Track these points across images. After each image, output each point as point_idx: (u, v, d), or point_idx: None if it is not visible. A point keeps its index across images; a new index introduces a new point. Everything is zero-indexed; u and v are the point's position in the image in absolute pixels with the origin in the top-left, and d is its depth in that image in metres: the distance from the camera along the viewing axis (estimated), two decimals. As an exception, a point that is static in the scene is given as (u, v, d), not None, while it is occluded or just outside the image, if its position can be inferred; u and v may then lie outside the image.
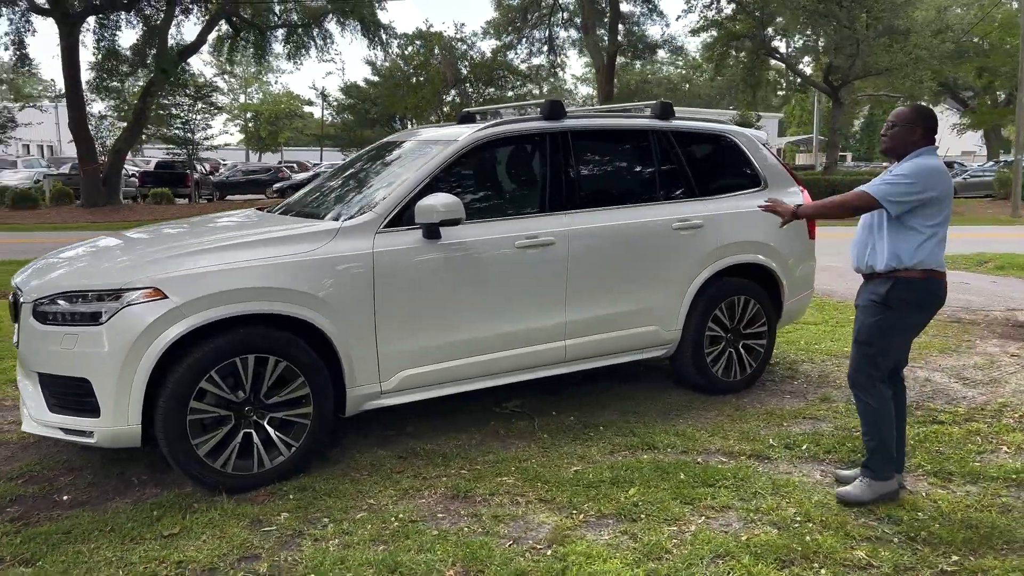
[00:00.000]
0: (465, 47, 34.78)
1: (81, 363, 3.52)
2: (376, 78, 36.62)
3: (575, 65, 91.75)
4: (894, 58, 28.34)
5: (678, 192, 5.03)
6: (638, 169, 5.05)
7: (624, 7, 32.67)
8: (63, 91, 24.99)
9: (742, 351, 5.22)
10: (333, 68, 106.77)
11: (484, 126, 4.53)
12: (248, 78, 57.05)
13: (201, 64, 59.86)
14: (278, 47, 28.91)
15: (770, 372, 5.70)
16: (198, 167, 29.64)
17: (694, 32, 32.70)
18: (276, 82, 71.99)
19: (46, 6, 23.10)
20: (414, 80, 33.60)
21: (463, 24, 65.42)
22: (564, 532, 3.32)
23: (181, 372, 3.53)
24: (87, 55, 51.47)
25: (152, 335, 3.47)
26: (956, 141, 46.60)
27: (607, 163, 5.06)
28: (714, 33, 32.40)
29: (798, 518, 3.42)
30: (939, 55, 30.21)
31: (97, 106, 28.48)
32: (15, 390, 4.70)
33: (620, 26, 32.51)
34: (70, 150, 29.16)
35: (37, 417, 3.69)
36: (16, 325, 3.99)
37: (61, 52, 23.14)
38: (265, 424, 3.77)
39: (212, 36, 27.43)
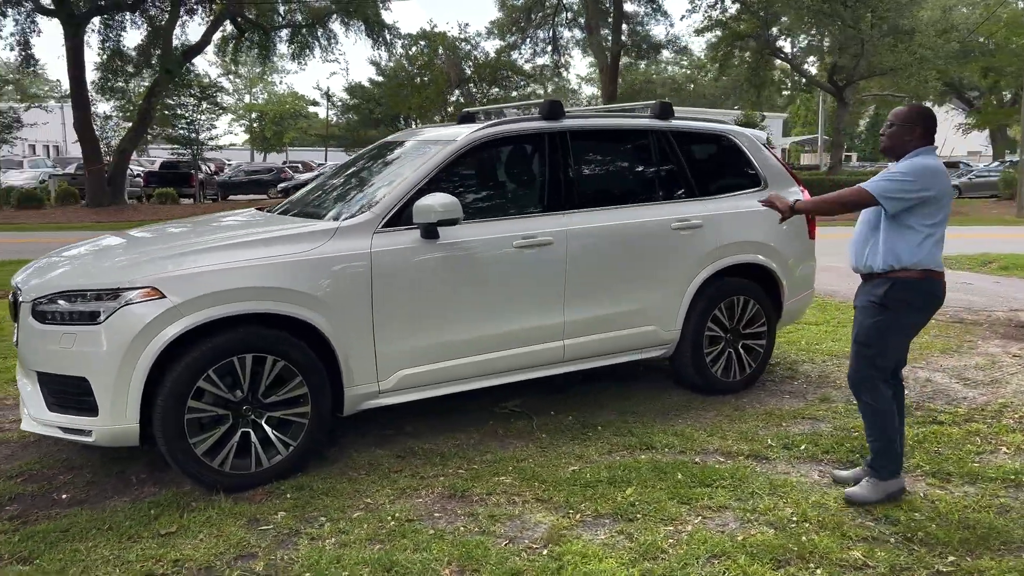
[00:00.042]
0: (469, 47, 34.84)
1: (79, 362, 3.54)
2: (380, 78, 36.66)
3: (579, 65, 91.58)
4: (899, 58, 28.28)
5: (677, 192, 5.03)
6: (637, 169, 5.05)
7: (628, 7, 32.71)
8: (68, 91, 25.09)
9: (741, 351, 5.21)
10: (337, 68, 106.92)
11: (483, 126, 4.54)
12: (253, 78, 57.22)
13: (206, 64, 60.10)
14: (282, 47, 29.06)
15: (770, 372, 5.70)
16: (203, 167, 29.72)
17: (698, 32, 32.73)
18: (281, 82, 72.25)
19: (51, 7, 23.20)
20: (418, 80, 33.62)
21: (467, 24, 65.61)
22: (560, 532, 3.32)
23: (179, 371, 3.54)
24: (92, 55, 51.58)
25: (150, 334, 3.49)
26: (961, 141, 46.42)
27: (606, 163, 5.07)
28: (718, 33, 32.38)
29: (795, 518, 3.42)
30: (944, 55, 30.14)
31: (102, 106, 28.64)
32: (16, 389, 4.72)
33: (624, 26, 32.51)
34: (76, 150, 29.27)
35: (36, 416, 3.71)
36: (16, 324, 4.00)
37: (66, 52, 23.25)
38: (263, 423, 3.78)
39: (216, 36, 27.56)
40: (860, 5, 27.02)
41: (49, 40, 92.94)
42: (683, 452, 4.20)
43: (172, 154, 31.25)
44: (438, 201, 3.95)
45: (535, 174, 4.67)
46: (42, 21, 24.68)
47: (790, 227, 5.28)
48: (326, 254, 3.89)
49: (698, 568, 3.03)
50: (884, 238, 3.52)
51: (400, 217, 4.10)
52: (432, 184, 4.21)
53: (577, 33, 34.96)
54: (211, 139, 29.66)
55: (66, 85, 25.18)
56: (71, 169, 29.92)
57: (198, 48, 26.62)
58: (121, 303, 3.51)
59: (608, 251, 4.65)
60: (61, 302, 3.62)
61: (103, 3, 23.84)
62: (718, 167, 5.32)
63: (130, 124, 26.72)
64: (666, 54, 41.01)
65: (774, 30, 32.45)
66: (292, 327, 3.82)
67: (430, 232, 4.08)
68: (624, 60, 35.62)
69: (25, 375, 3.86)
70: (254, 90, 60.56)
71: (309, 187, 5.36)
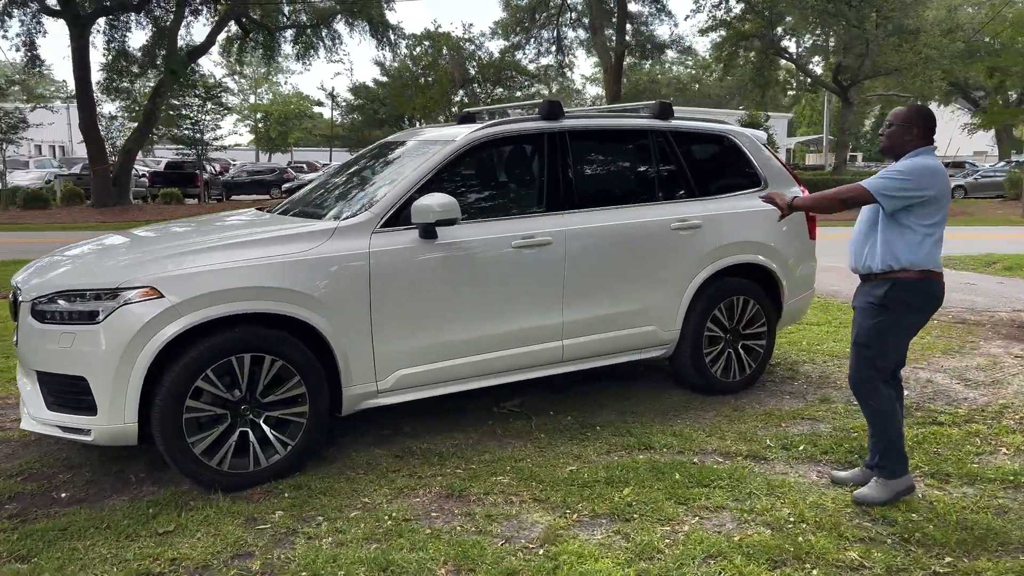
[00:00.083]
0: (473, 47, 34.84)
1: (78, 361, 3.55)
2: (384, 78, 36.72)
3: (584, 65, 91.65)
4: (904, 58, 28.22)
5: (677, 192, 5.03)
6: (636, 169, 5.05)
7: (632, 7, 32.69)
8: (74, 92, 25.18)
9: (741, 351, 5.20)
10: (341, 69, 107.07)
11: (482, 126, 4.54)
12: (258, 79, 57.33)
13: (211, 65, 60.23)
14: (287, 48, 29.06)
15: (770, 373, 5.69)
16: (208, 167, 29.77)
17: (703, 32, 32.69)
18: (286, 83, 72.35)
19: (57, 7, 23.28)
20: (422, 80, 33.66)
21: (471, 24, 65.67)
22: (557, 531, 3.32)
23: (177, 371, 3.55)
24: (97, 56, 51.85)
25: (148, 334, 3.50)
26: (967, 141, 46.29)
27: (605, 163, 5.07)
28: (722, 33, 32.33)
29: (792, 519, 3.41)
30: (949, 55, 30.06)
31: (107, 107, 28.74)
32: (17, 388, 4.73)
33: (628, 26, 32.47)
34: (81, 151, 29.37)
35: (35, 415, 3.73)
36: (16, 324, 4.02)
37: (72, 53, 23.33)
38: (261, 423, 3.79)
39: (221, 37, 27.58)
40: (865, 5, 26.97)
41: (55, 41, 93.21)
42: (681, 452, 4.20)
43: (177, 154, 31.33)
44: (436, 201, 3.96)
45: (534, 174, 4.68)
46: (47, 22, 24.80)
47: (790, 227, 5.29)
48: (324, 254, 3.90)
49: (694, 568, 3.03)
50: (883, 238, 3.52)
51: (399, 217, 4.11)
52: (431, 184, 4.22)
53: (581, 33, 34.98)
54: (216, 139, 29.71)
55: (72, 85, 25.31)
56: (77, 169, 29.99)
57: (203, 49, 26.68)
58: (120, 303, 3.53)
59: (607, 251, 4.65)
60: (60, 302, 3.63)
61: (108, 4, 23.91)
62: (718, 167, 5.32)
63: (135, 124, 26.80)
64: (670, 54, 40.96)
65: (779, 30, 32.40)
66: (291, 327, 3.83)
67: (428, 232, 4.08)
68: (628, 60, 35.59)
69: (25, 375, 3.88)
70: (259, 90, 60.69)
71: (309, 187, 5.38)
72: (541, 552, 3.16)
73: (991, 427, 4.54)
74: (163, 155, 37.28)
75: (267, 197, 28.72)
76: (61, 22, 23.58)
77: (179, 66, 24.46)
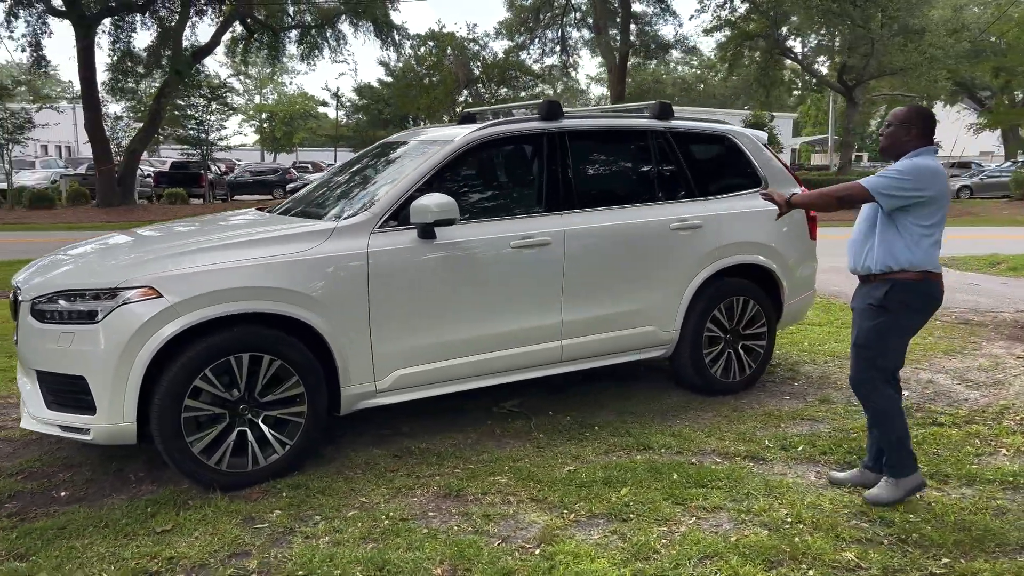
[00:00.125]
0: (477, 47, 34.90)
1: (77, 361, 3.56)
2: (389, 79, 36.77)
3: (589, 65, 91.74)
4: (909, 57, 28.16)
5: (677, 192, 5.02)
6: (636, 169, 5.04)
7: (637, 7, 32.66)
8: (80, 92, 25.27)
9: (741, 352, 5.20)
10: (346, 69, 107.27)
11: (481, 126, 4.54)
12: (263, 79, 57.45)
13: (217, 65, 60.27)
14: (292, 48, 29.12)
15: (771, 373, 5.68)
16: (213, 167, 29.85)
17: (707, 32, 32.62)
18: (291, 83, 72.43)
19: (62, 8, 23.37)
20: (427, 81, 33.72)
21: (475, 24, 65.66)
22: (554, 531, 3.32)
23: (176, 370, 3.56)
24: (103, 56, 51.98)
25: (147, 333, 3.51)
26: (973, 141, 46.12)
27: (604, 163, 5.06)
28: (727, 32, 32.28)
29: (789, 519, 3.41)
30: (955, 55, 29.98)
31: (113, 107, 28.80)
32: (19, 388, 4.76)
33: (632, 26, 32.48)
34: (87, 151, 29.44)
35: (35, 414, 3.74)
36: (16, 324, 4.04)
37: (77, 54, 23.41)
38: (259, 422, 3.80)
39: (226, 37, 27.67)
40: (870, 4, 26.90)
41: (61, 41, 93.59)
42: (680, 453, 4.20)
43: (182, 154, 31.41)
44: (434, 201, 3.96)
45: (533, 174, 4.68)
46: (53, 22, 24.87)
47: (791, 228, 5.28)
48: (323, 254, 3.91)
49: (690, 568, 3.02)
50: (882, 239, 3.52)
51: (397, 217, 4.11)
52: (430, 184, 4.22)
53: (586, 33, 34.97)
54: (221, 139, 29.80)
55: (77, 86, 25.37)
56: (82, 169, 30.10)
57: (208, 49, 26.75)
58: (119, 302, 3.54)
59: (606, 251, 4.65)
60: (60, 301, 3.65)
61: (113, 4, 24.00)
62: (718, 167, 5.31)
63: (140, 125, 26.89)
64: (675, 54, 40.96)
65: (784, 29, 32.35)
66: (289, 327, 3.84)
67: (427, 232, 4.09)
68: (633, 60, 35.58)
69: (25, 374, 3.90)
70: (264, 91, 60.82)
71: (309, 187, 5.39)
72: (537, 552, 3.16)
73: (991, 428, 4.53)
74: (168, 155, 37.42)
75: (269, 197, 28.77)
76: (67, 23, 23.66)
77: (184, 66, 24.54)
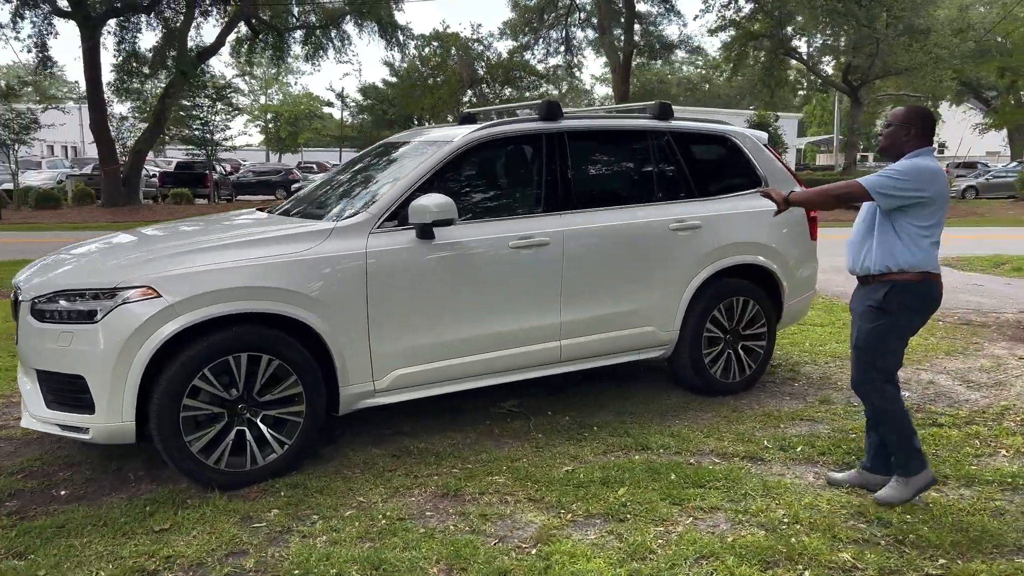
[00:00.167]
0: (482, 48, 34.90)
1: (77, 360, 3.58)
2: (393, 79, 36.81)
3: (594, 65, 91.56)
4: (914, 57, 28.08)
5: (676, 193, 5.02)
6: (635, 169, 5.04)
7: (641, 7, 32.63)
8: (86, 93, 25.37)
9: (741, 352, 5.19)
10: (351, 69, 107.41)
11: (480, 127, 4.55)
12: (268, 79, 57.58)
13: (222, 66, 60.53)
14: (297, 48, 29.18)
15: (771, 374, 5.68)
16: (218, 167, 29.91)
17: (712, 32, 32.58)
18: (296, 83, 72.59)
19: (68, 9, 23.45)
20: (431, 81, 33.74)
21: (480, 25, 65.67)
22: (550, 531, 3.32)
23: (175, 370, 3.58)
24: (109, 57, 52.18)
25: (146, 333, 3.53)
26: (979, 141, 45.98)
27: (604, 164, 5.06)
28: (732, 33, 32.23)
29: (786, 520, 3.41)
30: (960, 54, 29.89)
31: (118, 107, 28.89)
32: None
33: (637, 26, 32.45)
34: (93, 151, 29.54)
35: (35, 413, 3.76)
36: (17, 323, 4.06)
37: (83, 54, 23.50)
38: (258, 422, 3.81)
39: (231, 38, 27.72)
40: (875, 4, 26.83)
41: (67, 42, 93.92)
42: (678, 453, 4.20)
43: (187, 155, 31.50)
44: (433, 201, 3.97)
45: (532, 175, 4.68)
46: (59, 23, 24.97)
47: (791, 228, 5.28)
48: (322, 254, 3.92)
49: (686, 569, 3.03)
50: (880, 240, 3.51)
51: (396, 217, 4.12)
52: (429, 185, 4.23)
53: (590, 33, 34.95)
54: (226, 140, 29.87)
55: (83, 86, 25.46)
56: (88, 170, 30.21)
57: (213, 49, 26.81)
58: (118, 302, 3.56)
59: (605, 252, 4.65)
60: (60, 301, 3.67)
61: (119, 5, 24.08)
62: (718, 168, 5.31)
63: (146, 125, 26.97)
64: (680, 54, 40.92)
65: (788, 29, 32.29)
66: (288, 326, 3.85)
67: (425, 232, 4.09)
68: (637, 60, 35.55)
69: (25, 374, 3.92)
70: (269, 91, 60.95)
71: (310, 187, 5.40)
72: (534, 552, 3.17)
73: (991, 429, 4.52)
74: (174, 155, 37.49)
75: (272, 198, 28.84)
76: (72, 23, 23.75)
77: (189, 67, 24.61)
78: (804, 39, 34.72)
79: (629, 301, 4.74)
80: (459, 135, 4.45)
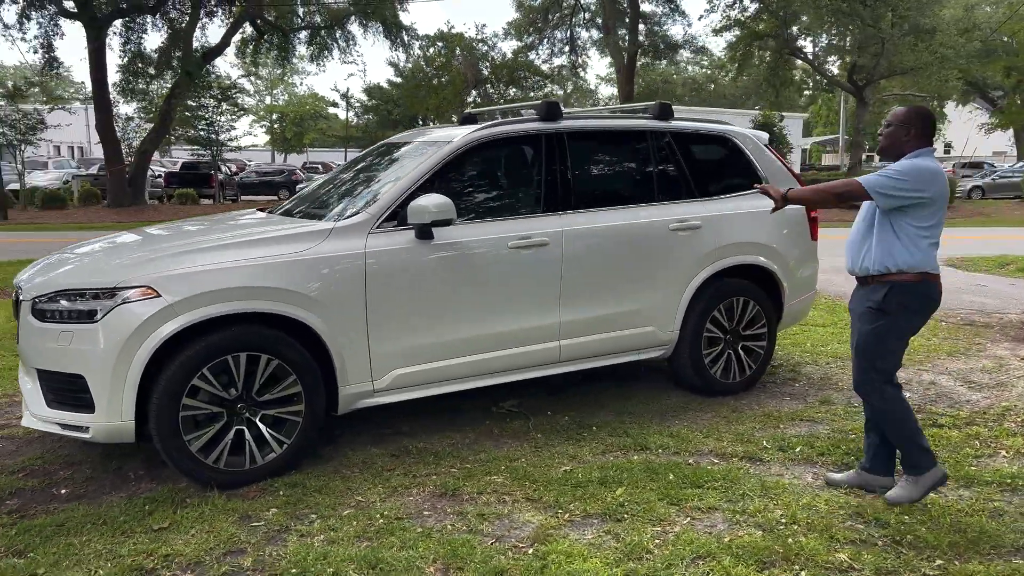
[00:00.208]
0: (486, 48, 34.91)
1: (76, 359, 3.60)
2: (398, 79, 36.85)
3: (598, 65, 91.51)
4: (919, 57, 27.98)
5: (676, 193, 5.02)
6: (635, 170, 5.04)
7: (645, 7, 32.58)
8: (91, 93, 25.47)
9: (741, 353, 5.19)
10: (355, 70, 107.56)
11: (480, 127, 4.56)
12: (273, 80, 57.68)
13: (227, 66, 60.69)
14: (302, 49, 29.21)
15: (772, 374, 5.67)
16: (223, 168, 29.99)
17: (716, 32, 32.50)
18: (301, 84, 72.72)
19: (74, 10, 23.54)
20: (436, 81, 33.76)
21: (484, 25, 65.75)
22: (548, 531, 3.33)
23: (174, 369, 3.59)
24: (114, 58, 52.37)
25: (145, 333, 3.54)
26: (985, 141, 45.80)
27: (603, 164, 5.06)
28: (737, 32, 32.16)
29: (784, 520, 3.40)
30: (966, 54, 29.76)
31: (124, 108, 29.04)
32: (22, 386, 4.81)
33: (641, 26, 32.38)
34: (99, 151, 29.66)
35: (36, 413, 3.78)
36: (18, 323, 4.08)
37: (89, 55, 23.59)
38: (257, 421, 3.82)
39: (236, 38, 27.79)
40: (880, 4, 26.73)
41: (73, 43, 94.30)
42: (677, 453, 4.20)
43: (192, 155, 31.59)
44: (432, 202, 3.98)
45: (532, 175, 4.69)
46: (65, 24, 25.08)
47: (792, 228, 5.27)
48: (321, 254, 3.93)
49: (682, 569, 3.03)
50: (880, 240, 3.51)
51: (395, 217, 4.13)
52: (428, 185, 4.24)
53: (594, 33, 34.91)
54: (231, 140, 29.96)
55: (90, 87, 25.55)
56: (94, 170, 30.33)
57: (218, 50, 26.89)
58: (118, 302, 3.57)
59: (605, 252, 4.65)
60: (61, 301, 3.69)
61: (124, 6, 24.17)
62: (718, 168, 5.31)
63: (151, 125, 27.07)
64: (684, 54, 40.84)
65: (793, 29, 32.18)
66: (287, 326, 3.86)
67: (424, 232, 4.10)
68: (641, 60, 35.50)
69: (26, 373, 3.94)
70: (275, 91, 61.07)
71: (311, 187, 5.42)
72: (530, 551, 3.17)
73: (992, 430, 4.50)
74: (179, 156, 37.60)
75: (275, 198, 28.90)
76: (78, 24, 23.85)
77: (194, 67, 24.69)
78: (809, 39, 34.61)
79: (629, 301, 4.74)
80: (459, 135, 4.46)
